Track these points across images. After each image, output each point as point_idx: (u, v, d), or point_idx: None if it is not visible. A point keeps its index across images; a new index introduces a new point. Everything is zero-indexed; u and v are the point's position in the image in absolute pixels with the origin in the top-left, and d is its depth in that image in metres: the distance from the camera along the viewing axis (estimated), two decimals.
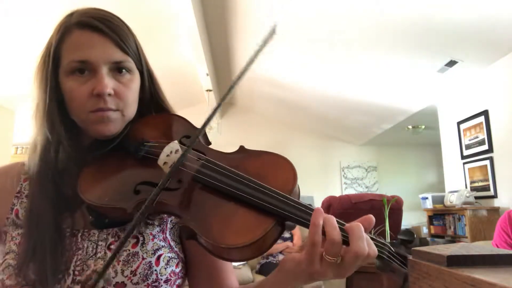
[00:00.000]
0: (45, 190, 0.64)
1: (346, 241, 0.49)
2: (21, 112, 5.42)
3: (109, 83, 0.63)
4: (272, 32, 0.60)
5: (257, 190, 0.53)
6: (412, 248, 0.43)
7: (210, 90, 5.43)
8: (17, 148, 6.09)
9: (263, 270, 3.97)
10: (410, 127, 6.15)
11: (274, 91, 5.88)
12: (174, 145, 0.63)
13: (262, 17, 3.89)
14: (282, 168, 0.58)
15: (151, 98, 0.74)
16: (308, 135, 7.26)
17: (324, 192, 6.11)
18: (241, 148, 0.65)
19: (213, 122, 5.68)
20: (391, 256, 0.51)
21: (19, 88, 4.68)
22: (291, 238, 4.20)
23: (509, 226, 1.92)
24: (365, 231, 0.51)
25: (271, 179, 0.55)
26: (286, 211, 0.51)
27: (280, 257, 4.12)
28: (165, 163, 0.61)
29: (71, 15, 0.66)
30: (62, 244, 0.61)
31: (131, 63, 0.67)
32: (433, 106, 4.92)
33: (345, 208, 3.33)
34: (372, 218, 0.52)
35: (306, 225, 0.50)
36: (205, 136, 0.70)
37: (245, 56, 4.98)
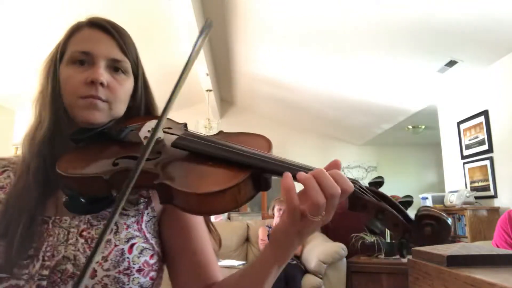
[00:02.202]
0: (39, 168, 0.65)
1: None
2: (21, 112, 5.43)
3: (103, 74, 0.67)
4: (208, 26, 0.61)
5: (231, 148, 0.56)
6: (412, 248, 0.43)
7: (210, 90, 5.43)
8: (17, 148, 6.09)
9: None
10: (410, 127, 6.15)
11: (274, 91, 5.88)
12: (153, 123, 0.66)
13: (262, 17, 3.89)
14: (258, 140, 0.62)
15: (140, 106, 0.77)
16: (308, 135, 7.26)
17: None
18: (220, 132, 0.68)
19: (213, 122, 5.68)
20: (362, 189, 0.51)
21: (19, 88, 4.68)
22: None
23: (509, 225, 1.92)
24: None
25: (248, 146, 0.58)
26: (260, 162, 0.53)
27: None
28: (145, 137, 0.64)
29: (83, 19, 0.73)
30: (32, 230, 0.62)
31: (128, 65, 0.72)
32: (433, 106, 4.92)
33: (346, 208, 3.33)
34: (338, 161, 0.53)
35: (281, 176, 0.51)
36: (187, 129, 0.73)
37: (245, 56, 4.98)
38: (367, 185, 0.54)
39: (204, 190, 0.50)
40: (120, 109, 0.72)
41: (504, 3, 2.87)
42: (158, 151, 0.61)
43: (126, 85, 0.71)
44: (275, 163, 0.53)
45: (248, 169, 0.52)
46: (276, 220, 3.92)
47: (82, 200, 0.62)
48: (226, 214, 5.23)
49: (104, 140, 0.68)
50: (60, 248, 0.61)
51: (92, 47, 0.68)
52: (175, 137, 0.63)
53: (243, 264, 4.14)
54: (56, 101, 0.68)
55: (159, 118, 0.56)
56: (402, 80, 4.51)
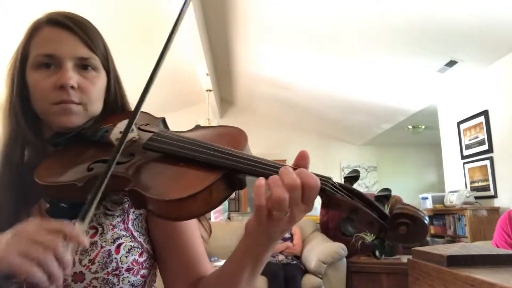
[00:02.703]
0: (8, 182, 0.64)
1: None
2: None
3: (73, 76, 0.64)
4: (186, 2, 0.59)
5: (203, 148, 0.54)
6: (412, 248, 0.43)
7: (210, 90, 5.43)
8: None
9: (263, 270, 3.95)
10: (410, 127, 6.15)
11: (274, 91, 5.88)
12: (124, 124, 0.63)
13: (262, 17, 3.89)
14: (232, 133, 0.60)
15: (115, 99, 0.75)
16: (308, 135, 7.26)
17: None
18: (197, 126, 0.66)
19: (213, 122, 5.68)
20: (334, 187, 0.49)
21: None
22: (291, 238, 4.20)
23: (509, 226, 1.92)
24: (306, 167, 0.50)
25: (222, 143, 0.55)
26: (231, 161, 0.51)
27: (280, 257, 4.11)
28: (117, 139, 0.62)
29: (42, 15, 0.69)
30: None
31: (97, 61, 0.68)
32: (433, 106, 4.92)
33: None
34: (305, 152, 0.52)
35: (254, 174, 0.50)
36: (165, 124, 0.72)
37: (245, 56, 4.98)
38: (343, 181, 0.52)
39: (173, 196, 0.48)
40: (97, 107, 0.70)
41: (504, 3, 2.87)
42: (131, 153, 0.59)
43: (98, 83, 0.69)
44: (247, 163, 0.51)
45: (219, 170, 0.51)
46: None
47: (63, 205, 0.62)
48: (226, 214, 5.23)
49: (82, 141, 0.67)
50: None
51: (56, 48, 0.64)
52: (148, 136, 0.61)
53: None
54: (25, 108, 0.66)
55: (130, 119, 0.55)
56: (402, 80, 4.51)
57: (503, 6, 2.91)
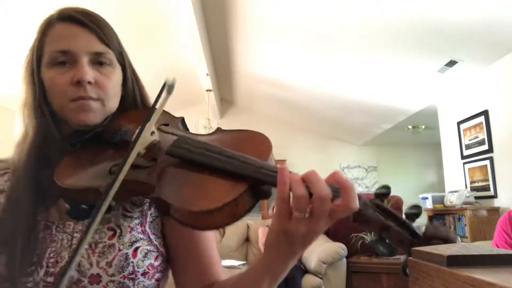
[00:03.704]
0: (29, 179, 0.63)
1: (311, 194, 0.47)
2: None
3: (89, 72, 0.63)
4: (169, 89, 0.54)
5: (228, 157, 0.52)
6: (412, 248, 0.43)
7: (210, 90, 5.43)
8: None
9: None
10: (410, 127, 6.15)
11: (274, 91, 5.88)
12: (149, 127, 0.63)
13: (262, 17, 3.89)
14: (257, 140, 0.58)
15: (134, 95, 0.73)
16: (308, 135, 7.26)
17: None
18: (218, 129, 0.65)
19: (213, 122, 5.68)
20: (366, 204, 0.48)
21: (21, 88, 4.67)
22: None
23: (509, 226, 1.92)
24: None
25: (246, 150, 0.54)
26: (258, 174, 0.50)
27: None
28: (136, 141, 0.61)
29: (54, 11, 0.67)
30: (35, 237, 0.60)
31: (112, 56, 0.67)
32: (433, 106, 4.92)
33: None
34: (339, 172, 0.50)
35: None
36: (185, 125, 0.70)
37: (245, 56, 4.98)
38: (375, 192, 0.51)
39: (200, 207, 0.48)
40: (114, 103, 0.69)
41: (504, 3, 2.87)
42: (154, 158, 0.58)
43: (114, 78, 0.68)
44: (275, 175, 0.49)
45: (245, 181, 0.50)
46: None
47: (83, 206, 0.61)
48: None
49: (101, 140, 0.66)
50: (64, 254, 0.60)
51: (70, 44, 0.63)
52: (171, 139, 0.59)
53: (243, 264, 4.14)
54: (42, 107, 0.66)
55: (141, 127, 0.53)
56: (402, 80, 4.51)
57: (503, 6, 2.91)
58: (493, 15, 3.02)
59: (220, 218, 0.48)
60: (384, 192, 0.51)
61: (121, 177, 0.50)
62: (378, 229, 0.47)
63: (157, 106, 0.55)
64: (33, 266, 0.59)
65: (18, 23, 3.41)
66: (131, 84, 0.73)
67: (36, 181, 0.64)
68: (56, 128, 0.67)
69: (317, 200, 0.46)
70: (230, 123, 6.84)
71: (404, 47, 3.81)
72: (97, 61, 0.65)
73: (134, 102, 0.74)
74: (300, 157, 6.92)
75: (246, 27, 4.21)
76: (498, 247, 1.96)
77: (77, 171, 0.62)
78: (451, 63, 3.88)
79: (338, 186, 0.48)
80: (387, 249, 0.48)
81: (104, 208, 0.48)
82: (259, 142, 0.57)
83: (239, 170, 0.50)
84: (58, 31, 0.64)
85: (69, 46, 0.63)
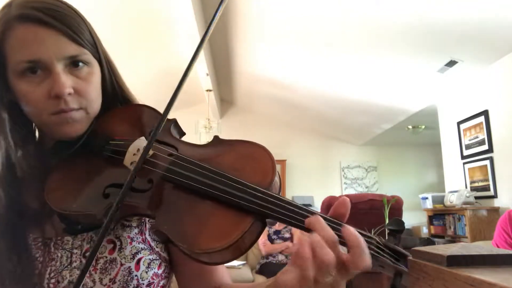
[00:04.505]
0: (8, 199, 0.59)
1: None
2: None
3: (66, 82, 0.56)
4: None
5: (232, 187, 0.48)
6: (412, 248, 0.43)
7: (210, 90, 5.43)
8: None
9: (263, 270, 3.97)
10: (410, 127, 6.15)
11: (274, 91, 5.88)
12: (140, 142, 0.58)
13: (262, 17, 3.89)
14: (259, 158, 0.53)
15: (114, 89, 0.68)
16: (308, 135, 7.26)
17: (324, 192, 6.11)
18: (215, 138, 0.59)
19: (213, 122, 5.68)
20: (379, 250, 0.45)
21: None
22: (291, 238, 4.20)
23: (509, 225, 1.92)
24: (344, 216, 0.46)
25: (248, 171, 0.51)
26: (265, 208, 0.46)
27: (280, 257, 4.11)
28: (132, 163, 0.56)
29: (9, 6, 0.57)
30: (30, 258, 0.58)
31: (87, 55, 0.60)
32: (433, 106, 4.92)
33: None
34: (346, 200, 0.47)
35: (287, 222, 0.47)
36: (178, 127, 0.65)
37: (245, 56, 4.98)
38: (388, 221, 0.48)
39: (205, 247, 0.45)
40: (97, 106, 0.63)
41: (504, 3, 2.87)
42: (150, 179, 0.54)
43: (93, 79, 0.61)
44: (280, 211, 0.46)
45: (252, 215, 0.46)
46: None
47: (80, 226, 0.59)
48: None
49: (86, 148, 0.62)
50: (65, 273, 0.58)
51: (38, 52, 0.54)
52: (166, 153, 0.55)
53: (242, 264, 4.14)
54: (14, 118, 0.60)
55: (143, 152, 0.49)
56: (402, 80, 4.51)
57: (503, 6, 2.91)
58: (493, 15, 3.03)
59: (227, 256, 0.46)
60: (397, 229, 0.48)
61: (119, 204, 0.47)
62: (393, 273, 0.46)
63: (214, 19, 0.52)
64: (35, 287, 0.57)
65: None
66: (108, 78, 0.67)
67: (19, 200, 0.60)
68: (35, 141, 0.63)
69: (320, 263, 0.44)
70: (230, 123, 6.84)
71: (404, 47, 3.81)
72: (72, 63, 0.58)
73: (115, 98, 0.69)
74: (300, 157, 6.93)
75: (246, 27, 4.21)
76: (498, 247, 1.96)
77: (69, 191, 0.58)
78: (451, 63, 3.88)
79: (341, 235, 0.45)
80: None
81: (102, 239, 0.45)
82: (261, 161, 0.53)
83: (244, 204, 0.47)
84: (21, 35, 0.55)
85: (38, 54, 0.55)
